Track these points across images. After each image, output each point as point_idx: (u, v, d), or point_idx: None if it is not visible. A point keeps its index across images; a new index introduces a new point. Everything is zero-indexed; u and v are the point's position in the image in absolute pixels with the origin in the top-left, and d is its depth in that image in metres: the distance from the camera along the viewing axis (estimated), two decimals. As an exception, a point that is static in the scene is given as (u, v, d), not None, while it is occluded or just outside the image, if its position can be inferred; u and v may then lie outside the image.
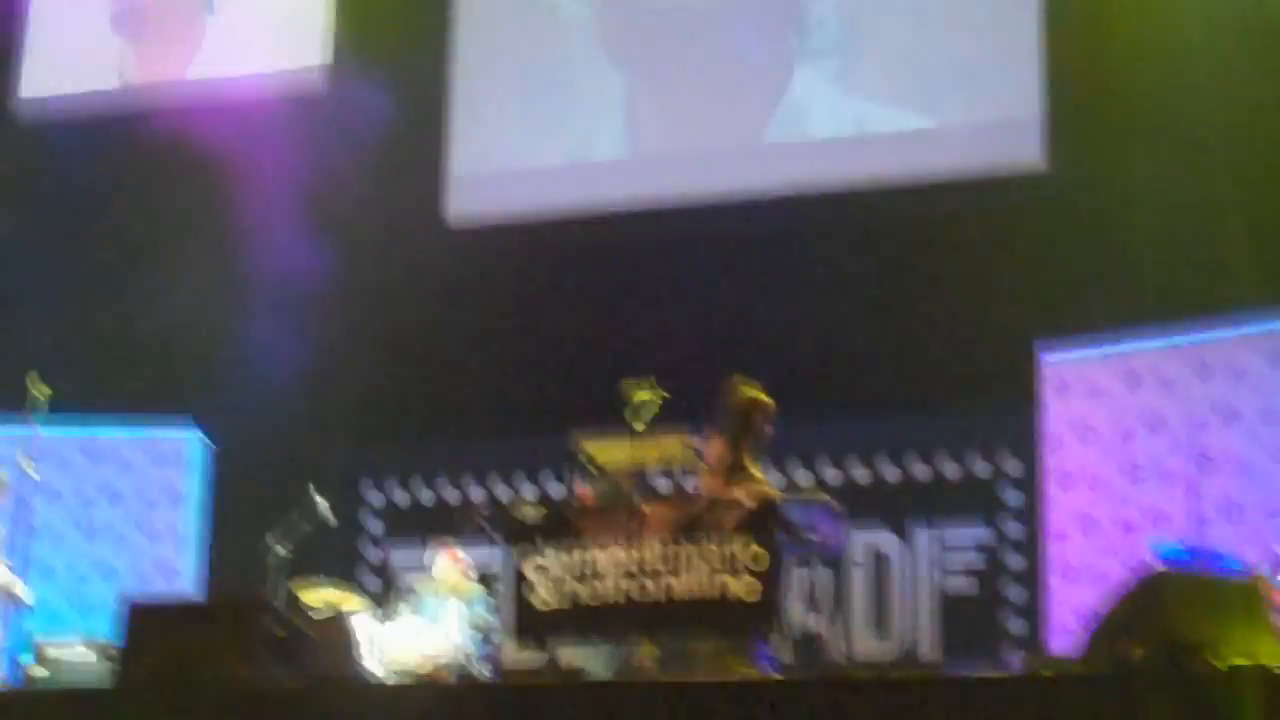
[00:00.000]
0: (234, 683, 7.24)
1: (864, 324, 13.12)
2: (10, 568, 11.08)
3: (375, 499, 14.60)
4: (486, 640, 11.57)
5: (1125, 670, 6.28)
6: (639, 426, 8.36)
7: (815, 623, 9.50)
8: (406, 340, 14.19)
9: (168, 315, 14.38)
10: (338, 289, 14.18)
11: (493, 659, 11.68)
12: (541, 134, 14.64)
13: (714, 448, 8.71)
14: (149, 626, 7.74)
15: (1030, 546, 12.65)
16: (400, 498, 14.57)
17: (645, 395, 8.57)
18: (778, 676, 7.95)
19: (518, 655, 11.55)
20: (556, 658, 9.03)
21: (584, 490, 9.05)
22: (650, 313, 13.81)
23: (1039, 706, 6.07)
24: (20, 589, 11.28)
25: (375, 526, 14.56)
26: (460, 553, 12.08)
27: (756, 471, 8.62)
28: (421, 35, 15.05)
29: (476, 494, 14.16)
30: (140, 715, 7.14)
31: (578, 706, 6.73)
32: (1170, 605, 6.43)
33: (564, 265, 14.23)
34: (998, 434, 12.94)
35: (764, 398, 8.88)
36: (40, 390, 10.56)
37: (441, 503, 14.36)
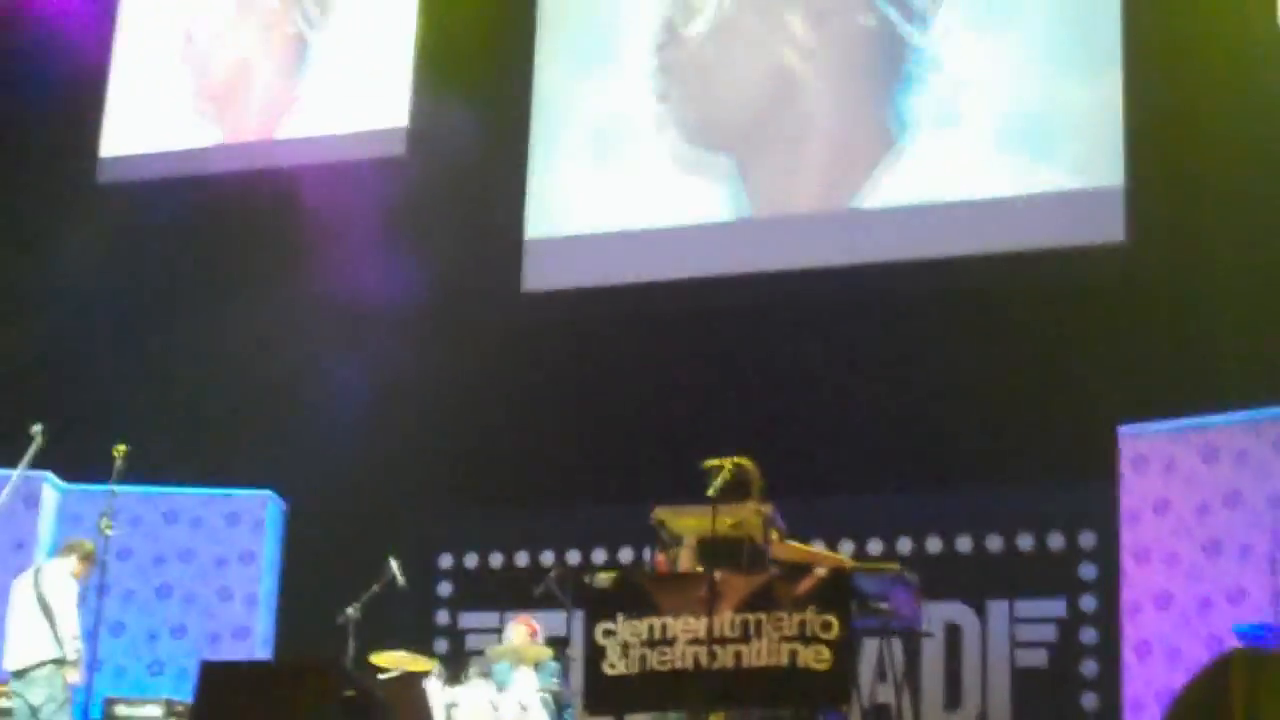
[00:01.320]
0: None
1: (944, 396, 13.06)
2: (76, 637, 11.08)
3: (446, 562, 14.62)
4: (557, 706, 11.54)
5: (1201, 749, 6.20)
6: (713, 495, 8.34)
7: (886, 694, 9.42)
8: (483, 407, 14.23)
9: (248, 381, 14.51)
10: (414, 356, 14.26)
11: (561, 724, 11.67)
12: (618, 199, 14.68)
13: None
14: (221, 686, 7.78)
15: (1105, 621, 12.54)
16: (471, 562, 14.58)
17: (720, 464, 8.57)
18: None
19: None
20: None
21: (659, 558, 9.03)
22: (729, 382, 13.81)
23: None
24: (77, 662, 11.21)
25: (446, 590, 14.57)
26: (532, 619, 12.08)
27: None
28: (500, 98, 15.15)
29: (547, 559, 14.15)
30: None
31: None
32: (1249, 685, 6.35)
33: (643, 333, 14.23)
34: (1075, 508, 12.85)
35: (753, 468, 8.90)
36: (121, 454, 10.63)
37: (513, 568, 14.36)
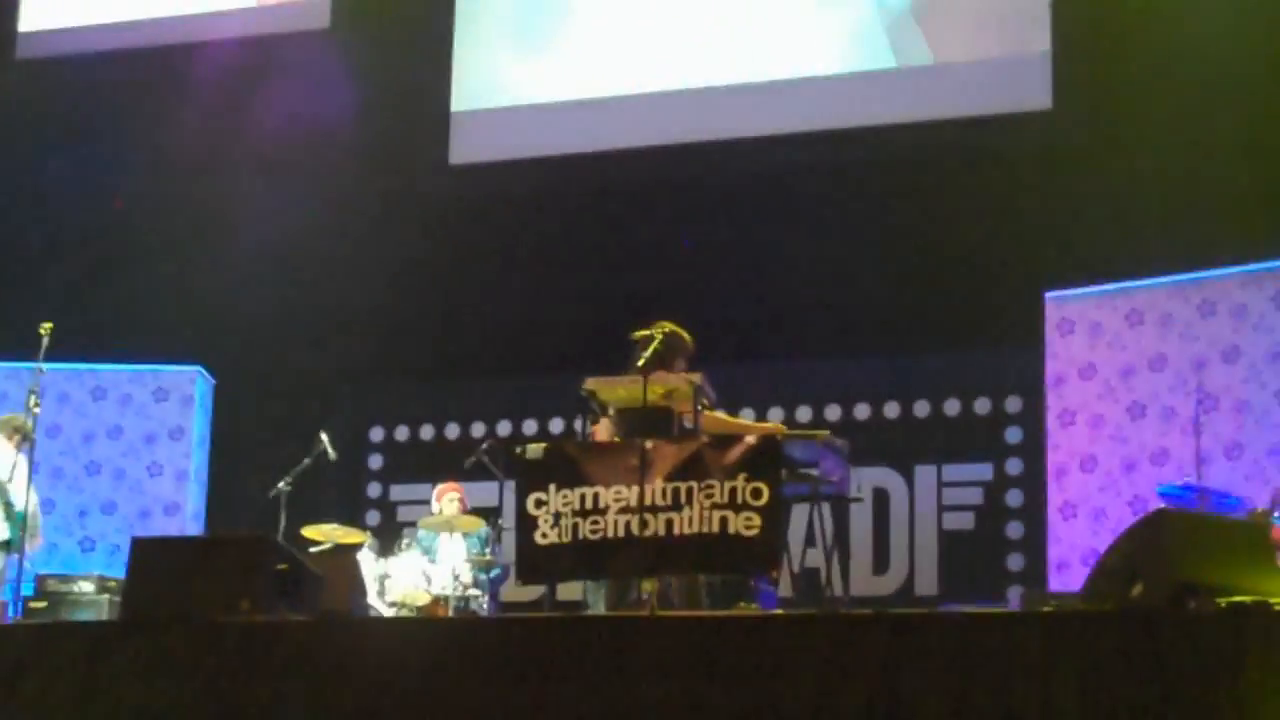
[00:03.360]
0: (237, 618, 7.24)
1: (867, 263, 13.07)
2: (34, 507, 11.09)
3: (377, 435, 14.60)
4: (487, 576, 11.58)
5: (1127, 608, 6.27)
6: (643, 365, 8.33)
7: (816, 559, 9.47)
8: (411, 280, 14.15)
9: (174, 257, 14.37)
10: (342, 230, 14.15)
11: (494, 595, 11.70)
12: (545, 71, 14.54)
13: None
14: (152, 561, 7.74)
15: (1031, 484, 12.65)
16: (402, 434, 14.56)
17: (650, 334, 8.54)
18: (777, 612, 7.94)
19: (519, 591, 11.61)
20: (556, 594, 9.02)
21: (594, 429, 9.02)
22: (657, 253, 13.76)
23: (1039, 644, 6.06)
24: (38, 531, 11.27)
25: (377, 463, 14.56)
26: (462, 489, 12.08)
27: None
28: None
29: (479, 432, 14.15)
30: (143, 650, 7.14)
31: (578, 642, 6.73)
32: (1172, 543, 6.42)
33: (571, 205, 14.16)
34: (1001, 373, 12.93)
35: (682, 333, 8.90)
36: (47, 331, 10.50)
37: (444, 440, 14.35)
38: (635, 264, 13.72)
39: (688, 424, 8.61)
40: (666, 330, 8.77)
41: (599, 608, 8.90)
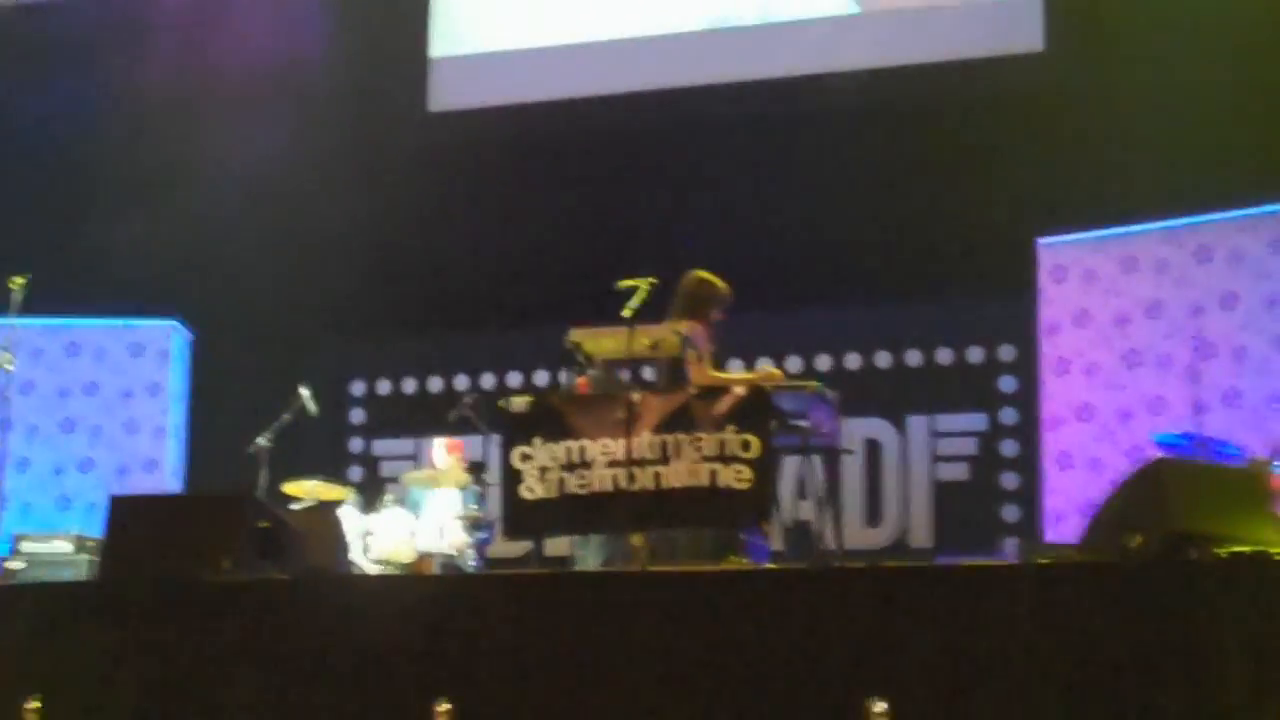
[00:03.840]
0: (218, 577, 7.22)
1: (858, 210, 13.01)
2: None
3: (359, 389, 14.58)
4: (474, 532, 11.58)
5: (1124, 559, 6.27)
6: (629, 316, 8.29)
7: (807, 512, 9.47)
8: (392, 230, 14.06)
9: (151, 209, 14.27)
10: (321, 179, 14.07)
11: (480, 551, 11.70)
12: (525, 16, 14.46)
13: (704, 337, 8.67)
14: (131, 520, 7.71)
15: (1026, 434, 12.67)
16: (384, 388, 14.54)
17: (636, 284, 8.50)
18: (768, 566, 7.95)
19: (506, 546, 11.61)
20: (544, 549, 9.02)
21: (580, 381, 8.99)
22: (642, 201, 13.70)
23: (1035, 595, 6.06)
24: None
25: (359, 417, 14.54)
26: (455, 443, 12.07)
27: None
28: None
29: (463, 386, 14.12)
30: (121, 609, 7.13)
31: (566, 598, 6.73)
32: (1169, 493, 6.41)
33: (554, 151, 14.08)
34: (994, 321, 12.92)
35: (716, 282, 8.88)
36: (20, 285, 10.45)
37: (427, 394, 14.34)
38: (620, 212, 13.67)
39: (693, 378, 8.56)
40: (654, 281, 8.71)
41: (588, 563, 8.90)
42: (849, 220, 13.06)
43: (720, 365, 8.97)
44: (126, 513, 7.77)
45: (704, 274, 8.97)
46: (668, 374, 8.70)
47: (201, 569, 7.26)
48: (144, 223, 14.11)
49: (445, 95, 14.57)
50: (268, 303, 13.95)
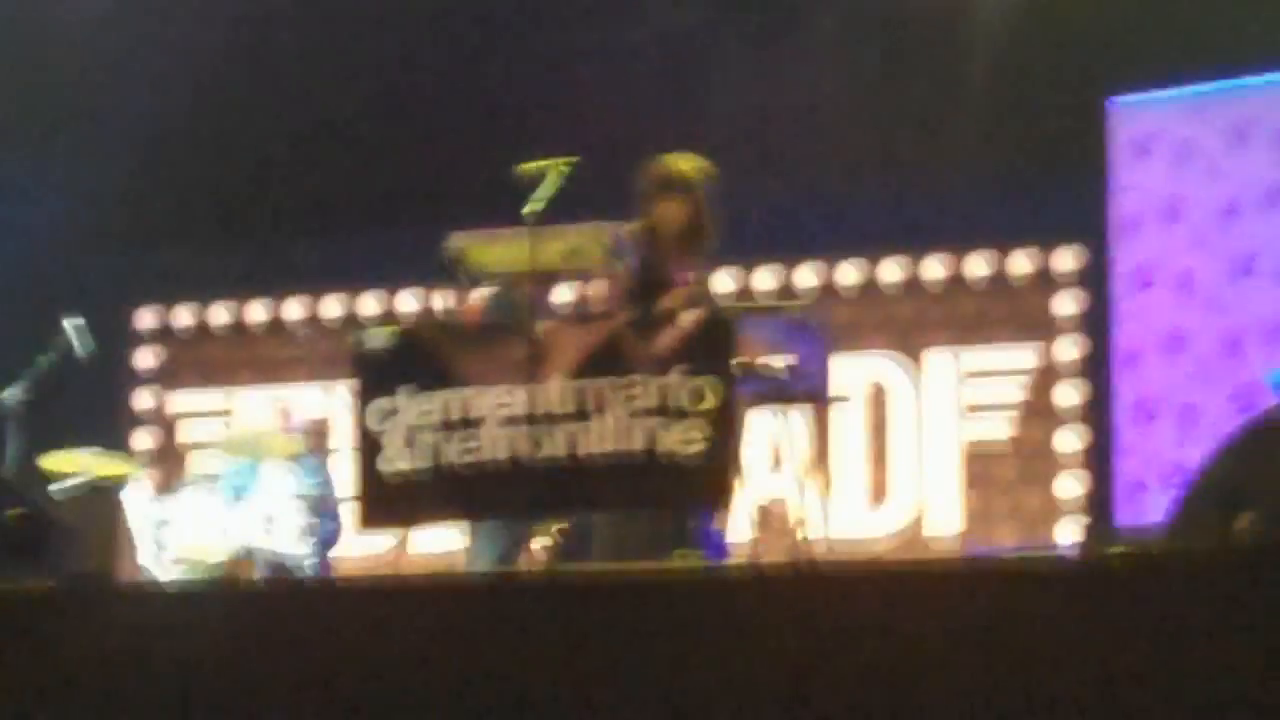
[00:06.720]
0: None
1: (856, 65, 13.05)
2: None
3: (148, 320, 14.55)
4: (313, 521, 11.62)
5: (1229, 546, 6.32)
6: (533, 213, 8.30)
7: (784, 488, 9.52)
8: (196, 99, 13.99)
9: None
10: (105, 20, 13.98)
11: (323, 547, 11.73)
12: None
13: (639, 243, 8.69)
14: None
15: (1091, 374, 12.77)
16: (184, 318, 14.51)
17: (546, 169, 8.49)
18: (729, 565, 7.99)
19: (358, 540, 11.63)
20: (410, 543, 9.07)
21: (468, 306, 9.01)
22: (545, 51, 13.69)
23: (1104, 602, 6.11)
24: None
25: (149, 360, 14.52)
26: (278, 397, 12.11)
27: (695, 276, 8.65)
28: None
29: (294, 311, 14.11)
30: None
31: (443, 615, 6.73)
32: (1289, 457, 6.48)
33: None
34: (1047, 214, 12.98)
35: (696, 168, 8.88)
36: None
37: (244, 325, 14.32)
38: (521, 69, 13.63)
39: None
40: (572, 161, 8.69)
41: (475, 564, 8.93)
42: (846, 77, 13.07)
43: None
44: None
45: (685, 163, 8.93)
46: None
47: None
48: None
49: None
50: (15, 202, 13.89)
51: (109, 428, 13.60)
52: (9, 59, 13.86)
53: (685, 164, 8.91)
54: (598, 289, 8.81)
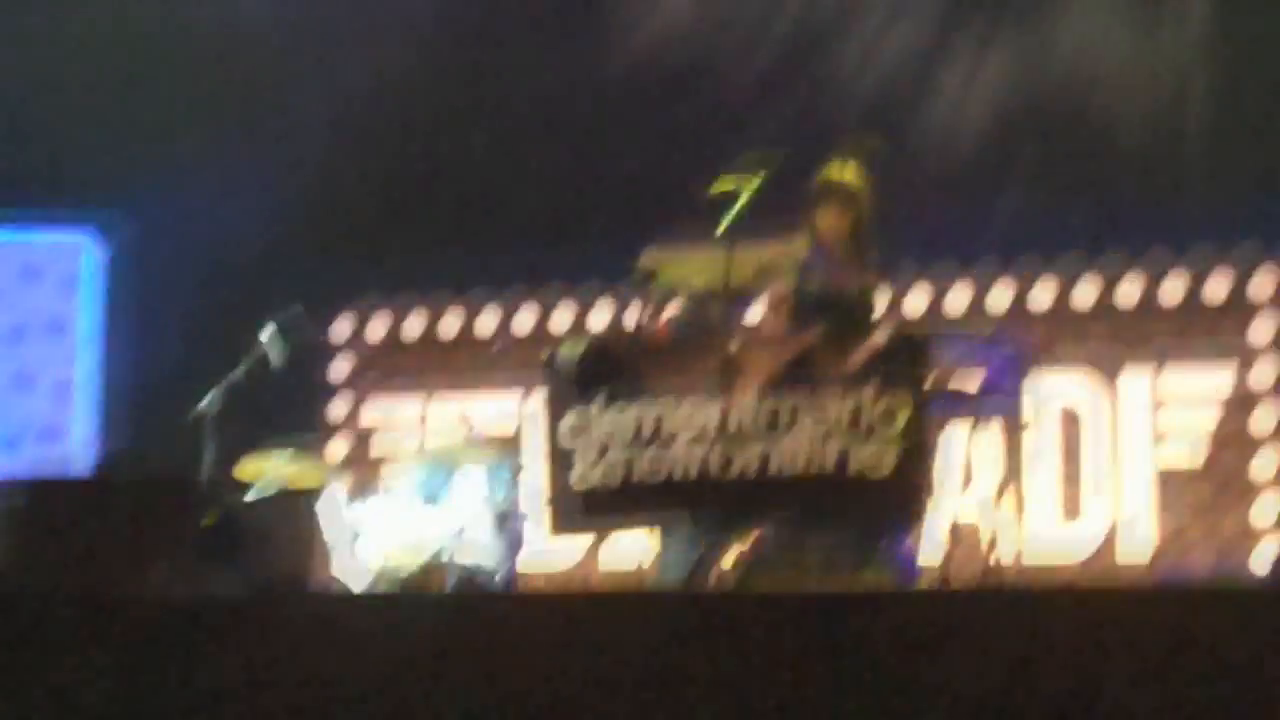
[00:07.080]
0: (145, 594, 7.30)
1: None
2: None
3: (344, 330, 14.64)
4: (503, 529, 11.65)
5: None
6: (728, 230, 8.32)
7: (976, 507, 9.49)
8: (392, 113, 14.09)
9: (41, 78, 14.34)
10: (298, 27, 14.09)
11: (511, 555, 11.76)
12: None
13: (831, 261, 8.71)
14: (26, 513, 7.80)
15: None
16: (380, 329, 14.60)
17: (735, 185, 8.50)
18: (921, 586, 7.97)
19: (549, 549, 11.66)
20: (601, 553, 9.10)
21: (660, 320, 9.04)
22: (756, 71, 13.69)
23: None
24: None
25: (344, 369, 14.62)
26: (469, 407, 12.15)
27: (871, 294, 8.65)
28: None
29: (488, 324, 14.18)
30: (15, 636, 7.21)
31: (631, 626, 6.76)
32: None
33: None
34: (1251, 224, 12.84)
35: (858, 176, 8.87)
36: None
37: (436, 337, 14.40)
38: (725, 86, 13.64)
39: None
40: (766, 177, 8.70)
41: (671, 572, 8.94)
42: (1035, 90, 13.00)
43: None
44: (21, 503, 7.86)
45: (848, 173, 8.93)
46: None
47: (124, 582, 7.35)
48: (40, 97, 14.19)
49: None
50: (214, 206, 13.99)
51: (304, 435, 13.67)
52: (201, 64, 13.96)
53: (847, 172, 8.90)
54: (770, 304, 8.80)
